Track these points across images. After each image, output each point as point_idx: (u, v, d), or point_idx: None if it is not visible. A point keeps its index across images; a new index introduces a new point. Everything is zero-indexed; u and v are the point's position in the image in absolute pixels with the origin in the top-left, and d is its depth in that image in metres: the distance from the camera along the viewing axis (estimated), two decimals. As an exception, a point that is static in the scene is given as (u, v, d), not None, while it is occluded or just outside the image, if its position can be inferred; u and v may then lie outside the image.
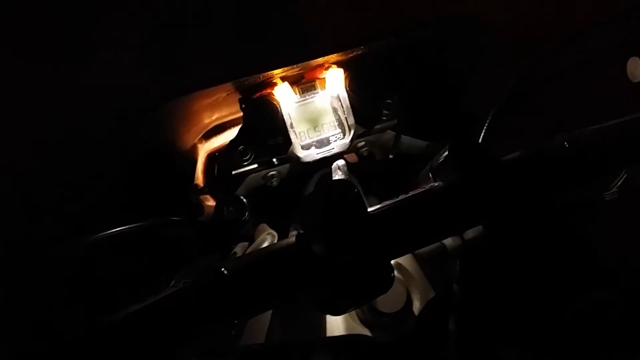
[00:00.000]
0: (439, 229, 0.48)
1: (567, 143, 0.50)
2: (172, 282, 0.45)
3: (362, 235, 0.43)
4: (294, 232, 0.47)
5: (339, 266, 0.42)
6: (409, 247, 0.49)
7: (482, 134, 0.59)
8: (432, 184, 0.50)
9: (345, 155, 0.82)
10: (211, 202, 0.95)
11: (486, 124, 0.59)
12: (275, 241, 0.67)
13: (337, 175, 0.68)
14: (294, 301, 0.45)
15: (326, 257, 0.42)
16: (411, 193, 0.49)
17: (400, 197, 0.49)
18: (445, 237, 0.52)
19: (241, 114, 0.76)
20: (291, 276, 0.44)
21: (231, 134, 0.92)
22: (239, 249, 0.63)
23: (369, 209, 0.46)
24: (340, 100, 0.76)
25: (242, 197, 0.68)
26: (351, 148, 0.80)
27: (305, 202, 0.47)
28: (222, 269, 0.43)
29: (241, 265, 0.45)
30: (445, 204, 0.47)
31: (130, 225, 0.60)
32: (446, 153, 0.49)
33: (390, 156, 0.86)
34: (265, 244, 0.63)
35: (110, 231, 0.59)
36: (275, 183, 0.81)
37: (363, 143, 0.82)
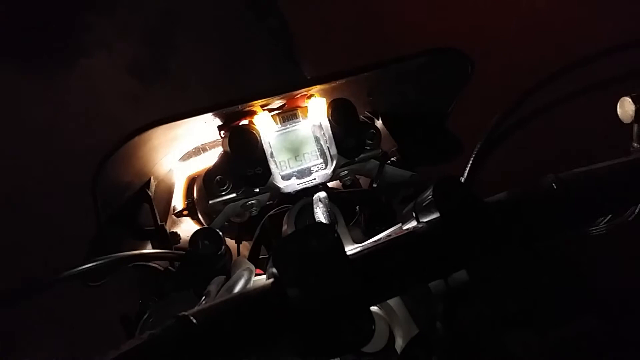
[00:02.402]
0: (421, 274, 0.46)
1: (555, 184, 0.48)
2: (137, 332, 0.42)
3: (340, 283, 0.41)
4: (271, 270, 0.45)
5: (315, 316, 0.40)
6: (390, 294, 0.47)
7: (467, 171, 0.57)
8: (414, 225, 0.48)
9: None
10: (190, 225, 0.93)
11: (470, 161, 0.57)
12: (253, 277, 0.64)
13: (318, 209, 0.65)
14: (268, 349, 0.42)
15: (302, 305, 0.40)
16: (393, 235, 0.47)
17: (381, 239, 0.46)
18: (428, 282, 0.51)
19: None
20: (264, 325, 0.41)
21: (211, 154, 0.89)
22: (213, 286, 0.59)
23: (348, 252, 0.44)
24: (322, 130, 0.74)
25: (217, 230, 0.65)
26: (333, 177, 0.78)
27: (281, 245, 0.44)
28: (191, 318, 0.40)
29: (211, 312, 0.42)
30: (427, 248, 0.45)
31: (101, 261, 0.57)
32: (430, 195, 0.47)
33: (374, 185, 0.84)
34: (242, 281, 0.60)
35: (81, 267, 0.56)
36: (254, 212, 0.78)
37: (346, 172, 0.80)
